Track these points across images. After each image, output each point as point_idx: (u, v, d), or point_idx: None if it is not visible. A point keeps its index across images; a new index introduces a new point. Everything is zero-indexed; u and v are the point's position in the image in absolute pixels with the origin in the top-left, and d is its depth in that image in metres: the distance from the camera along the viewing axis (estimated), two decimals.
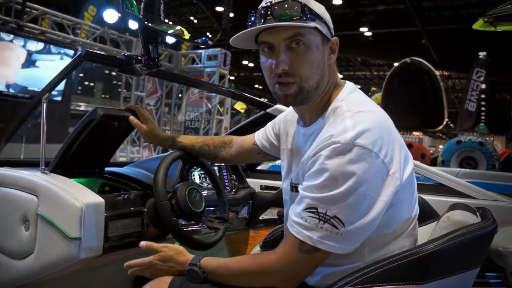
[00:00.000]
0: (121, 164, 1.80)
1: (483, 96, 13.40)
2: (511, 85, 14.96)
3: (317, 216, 0.93)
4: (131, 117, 1.47)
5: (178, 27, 1.54)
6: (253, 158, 1.52)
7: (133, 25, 6.58)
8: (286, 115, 1.33)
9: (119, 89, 9.35)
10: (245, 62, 17.70)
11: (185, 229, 1.38)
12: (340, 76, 1.20)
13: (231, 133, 1.98)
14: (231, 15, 9.73)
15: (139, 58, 1.41)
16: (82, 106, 9.13)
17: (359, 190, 0.91)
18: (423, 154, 9.24)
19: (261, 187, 2.16)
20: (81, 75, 12.34)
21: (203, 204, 1.44)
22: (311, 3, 1.03)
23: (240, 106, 16.75)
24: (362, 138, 0.92)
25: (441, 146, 17.87)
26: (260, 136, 1.43)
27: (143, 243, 1.19)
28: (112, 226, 1.30)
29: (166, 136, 1.55)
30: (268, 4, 1.02)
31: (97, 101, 14.35)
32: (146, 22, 1.39)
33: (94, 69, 11.43)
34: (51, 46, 6.39)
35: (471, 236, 0.95)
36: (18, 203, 1.30)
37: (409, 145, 9.07)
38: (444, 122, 10.87)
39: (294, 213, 0.98)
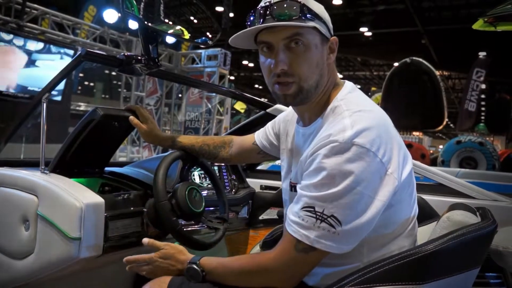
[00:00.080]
0: (121, 164, 1.80)
1: (483, 96, 13.40)
2: (511, 85, 14.96)
3: (314, 215, 0.93)
4: (131, 117, 1.47)
5: (178, 27, 1.54)
6: (253, 158, 1.52)
7: (133, 25, 6.58)
8: (286, 115, 1.33)
9: (119, 89, 9.36)
10: (245, 62, 17.70)
11: (185, 229, 1.38)
12: (340, 76, 1.20)
13: (231, 133, 1.98)
14: (231, 15, 9.73)
15: (139, 58, 1.41)
16: (82, 106, 9.13)
17: (357, 189, 0.91)
18: (423, 154, 9.24)
19: (261, 187, 2.16)
20: (81, 75, 12.34)
21: (203, 204, 1.44)
22: (310, 3, 1.03)
23: (240, 106, 16.75)
24: (361, 137, 0.92)
25: (441, 146, 17.88)
26: (260, 136, 1.43)
27: (145, 240, 1.20)
28: (112, 226, 1.30)
29: (166, 136, 1.55)
30: (267, 4, 1.02)
31: (97, 101, 14.35)
32: (146, 22, 1.39)
33: (94, 69, 11.42)
34: (51, 45, 6.39)
35: (471, 236, 0.95)
36: (18, 203, 1.30)
37: (409, 145, 9.07)
38: (444, 122, 10.86)
39: (292, 212, 0.98)
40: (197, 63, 9.45)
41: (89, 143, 1.46)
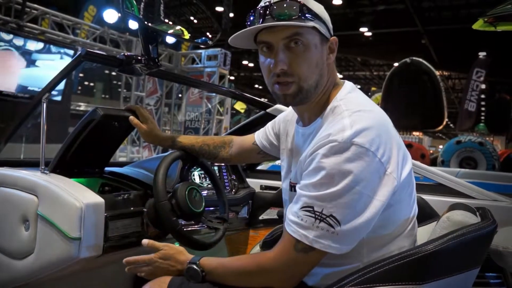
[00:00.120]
0: (121, 164, 1.80)
1: (483, 96, 13.40)
2: (511, 85, 14.96)
3: (313, 215, 0.93)
4: (131, 117, 1.47)
5: (178, 27, 1.54)
6: (253, 158, 1.52)
7: (133, 25, 6.58)
8: (286, 115, 1.33)
9: (119, 89, 9.36)
10: (245, 62, 17.70)
11: (185, 229, 1.38)
12: (340, 76, 1.20)
13: (231, 133, 1.98)
14: (231, 15, 9.73)
15: (139, 58, 1.41)
16: (82, 106, 9.13)
17: (356, 189, 0.91)
18: (423, 154, 9.24)
19: (261, 187, 2.16)
20: (81, 75, 12.34)
21: (203, 204, 1.44)
22: (310, 3, 1.03)
23: (240, 106, 16.75)
24: (360, 137, 0.92)
25: (441, 146, 17.87)
26: (260, 136, 1.43)
27: (145, 241, 1.19)
28: (112, 226, 1.30)
29: (166, 136, 1.55)
30: (267, 3, 1.02)
31: (97, 101, 14.35)
32: (146, 22, 1.39)
33: (94, 69, 11.43)
34: (51, 45, 6.39)
35: (471, 236, 0.95)
36: (18, 203, 1.30)
37: (409, 145, 9.08)
38: (444, 122, 10.86)
39: (291, 212, 0.98)
40: (197, 63, 9.45)
41: (89, 143, 1.46)
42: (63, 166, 1.42)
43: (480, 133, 15.10)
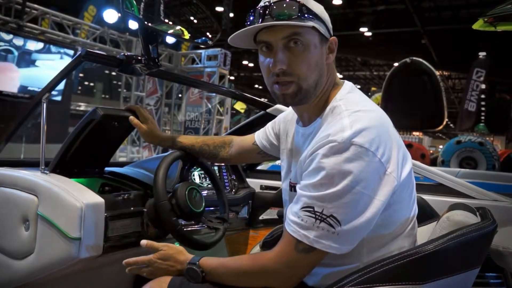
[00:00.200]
0: (121, 164, 1.80)
1: (483, 96, 13.38)
2: (511, 85, 14.97)
3: (314, 215, 0.93)
4: (131, 117, 1.47)
5: (178, 27, 1.54)
6: (253, 158, 1.52)
7: (133, 25, 6.57)
8: (286, 115, 1.33)
9: (119, 89, 9.36)
10: (245, 62, 17.70)
11: (185, 229, 1.38)
12: (340, 76, 1.20)
13: (231, 133, 1.98)
14: (231, 15, 9.74)
15: (139, 58, 1.41)
16: (82, 106, 9.12)
17: (356, 189, 0.91)
18: (423, 154, 9.25)
19: (261, 187, 2.16)
20: (81, 75, 12.35)
21: (203, 204, 1.44)
22: (310, 3, 1.03)
23: (240, 106, 16.75)
24: (359, 137, 0.92)
25: (441, 146, 17.86)
26: (260, 136, 1.43)
27: (144, 242, 1.19)
28: (112, 226, 1.30)
29: (166, 136, 1.55)
30: (267, 3, 1.02)
31: (97, 101, 14.34)
32: (146, 22, 1.39)
33: (94, 69, 11.44)
34: (51, 45, 6.40)
35: (471, 236, 0.95)
36: (18, 203, 1.30)
37: (409, 145, 9.08)
38: (444, 122, 10.86)
39: (292, 212, 0.98)
40: (197, 63, 9.45)
41: (89, 143, 1.46)
42: (63, 166, 1.42)
43: (480, 133, 15.09)
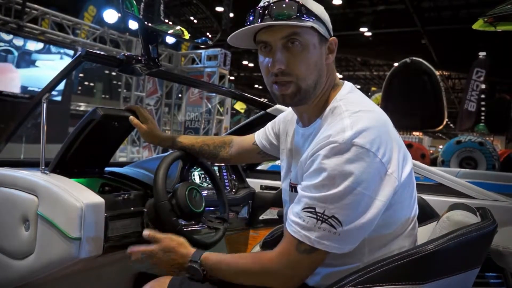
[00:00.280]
0: (121, 164, 1.80)
1: (483, 96, 13.37)
2: (511, 85, 14.96)
3: (315, 216, 0.93)
4: (131, 117, 1.47)
5: (178, 27, 1.54)
6: (253, 158, 1.52)
7: (133, 25, 6.57)
8: (286, 115, 1.33)
9: (119, 89, 9.36)
10: (245, 62, 17.70)
11: (185, 229, 1.38)
12: (340, 76, 1.20)
13: (231, 133, 1.98)
14: (231, 15, 9.74)
15: (139, 58, 1.41)
16: (82, 106, 9.13)
17: (357, 189, 0.91)
18: (423, 154, 9.24)
19: (261, 187, 2.16)
20: (81, 75, 12.35)
21: (203, 204, 1.44)
22: (309, 3, 1.03)
23: (240, 106, 16.75)
24: (360, 137, 0.92)
25: (441, 146, 17.86)
26: (260, 136, 1.43)
27: (146, 232, 1.20)
28: (112, 226, 1.30)
29: (166, 136, 1.55)
30: (266, 3, 1.02)
31: (97, 101, 14.35)
32: (146, 22, 1.39)
33: (94, 69, 11.44)
34: (51, 45, 6.40)
35: (471, 236, 0.95)
36: (18, 203, 1.30)
37: (409, 145, 9.07)
38: (444, 122, 10.85)
39: (293, 213, 0.98)
40: (197, 63, 9.45)
41: (89, 143, 1.46)
42: (63, 166, 1.42)
43: (480, 133, 15.08)
